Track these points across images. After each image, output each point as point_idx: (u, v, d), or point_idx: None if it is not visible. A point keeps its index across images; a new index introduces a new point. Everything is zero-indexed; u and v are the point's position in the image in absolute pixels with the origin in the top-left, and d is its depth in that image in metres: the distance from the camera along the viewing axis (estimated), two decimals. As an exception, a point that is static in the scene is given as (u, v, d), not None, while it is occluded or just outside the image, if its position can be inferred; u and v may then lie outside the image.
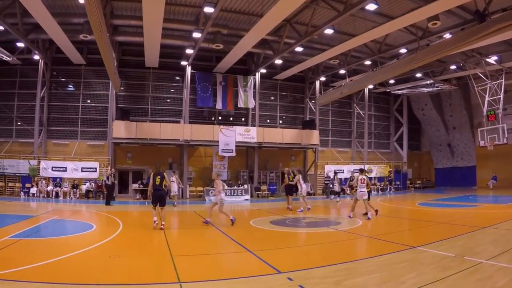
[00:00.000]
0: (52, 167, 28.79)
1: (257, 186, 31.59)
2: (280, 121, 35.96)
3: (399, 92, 36.96)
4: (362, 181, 16.28)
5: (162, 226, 13.06)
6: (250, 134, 31.15)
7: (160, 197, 13.53)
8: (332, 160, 36.42)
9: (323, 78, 34.48)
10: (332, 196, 28.10)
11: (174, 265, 8.02)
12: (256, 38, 25.48)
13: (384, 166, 37.77)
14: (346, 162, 36.69)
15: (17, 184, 28.56)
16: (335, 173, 28.91)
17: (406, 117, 41.42)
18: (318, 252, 10.07)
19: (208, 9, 21.91)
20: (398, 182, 38.40)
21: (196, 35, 25.88)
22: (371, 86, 36.95)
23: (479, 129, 30.54)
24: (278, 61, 30.81)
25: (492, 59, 28.38)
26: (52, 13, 22.27)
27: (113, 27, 26.88)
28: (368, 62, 30.41)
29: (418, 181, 40.80)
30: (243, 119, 34.79)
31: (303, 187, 21.10)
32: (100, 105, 31.17)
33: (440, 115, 40.26)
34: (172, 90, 33.09)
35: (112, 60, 23.12)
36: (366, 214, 16.21)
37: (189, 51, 28.93)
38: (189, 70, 30.91)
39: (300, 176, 21.35)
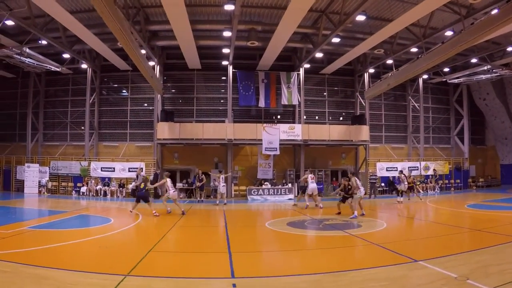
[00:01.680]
0: (101, 168, 29.90)
1: (303, 185, 29.93)
2: (330, 117, 33.86)
3: (456, 81, 33.63)
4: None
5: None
6: (294, 131, 29.46)
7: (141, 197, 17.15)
8: (386, 157, 33.80)
9: (371, 70, 31.88)
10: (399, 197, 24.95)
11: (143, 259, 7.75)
12: (288, 32, 24.06)
13: (443, 163, 34.44)
14: (400, 159, 33.90)
15: (70, 184, 30.14)
16: (401, 171, 25.59)
17: (466, 109, 37.40)
18: (299, 259, 9.02)
19: (229, 7, 21.10)
20: (458, 181, 34.96)
21: (227, 33, 25.44)
22: (425, 76, 34.37)
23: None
24: (319, 55, 29.08)
25: None
26: (87, 24, 23.48)
27: (151, 32, 27.42)
28: (414, 49, 27.71)
29: (481, 179, 37.14)
30: (290, 116, 33.17)
31: (361, 189, 19.13)
32: (147, 108, 31.73)
33: (505, 104, 36.27)
34: (216, 91, 32.50)
35: (146, 65, 23.40)
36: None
37: (225, 50, 28.48)
38: (230, 69, 30.23)
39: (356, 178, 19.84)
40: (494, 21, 16.75)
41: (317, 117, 33.61)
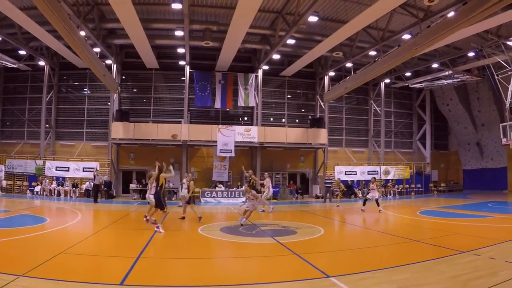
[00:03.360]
0: (56, 167, 28.65)
1: (258, 188, 28.90)
2: (290, 120, 32.76)
3: (418, 86, 32.74)
4: None
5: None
6: (250, 133, 28.30)
7: None
8: (345, 161, 32.76)
9: (332, 73, 30.81)
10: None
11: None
12: (241, 32, 23.00)
13: (404, 167, 33.46)
14: (359, 163, 32.89)
15: (24, 183, 28.91)
16: (374, 178, 22.79)
17: (429, 114, 36.57)
18: (208, 268, 8.18)
19: (176, 5, 20.33)
20: (419, 185, 34.04)
21: (179, 33, 24.49)
22: (387, 81, 33.48)
23: (501, 125, 25.85)
24: (277, 56, 28.08)
25: None
26: (40, 21, 22.26)
27: (108, 30, 26.28)
28: (373, 53, 26.70)
29: (443, 184, 36.23)
30: (249, 118, 32.08)
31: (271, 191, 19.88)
32: (104, 107, 30.34)
33: (468, 110, 35.47)
34: (174, 91, 31.20)
35: (98, 63, 22.46)
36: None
37: (181, 50, 27.39)
38: (187, 69, 29.07)
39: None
40: (449, 24, 16.06)
41: (276, 120, 32.54)
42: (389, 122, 35.80)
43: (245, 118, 32.20)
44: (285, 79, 32.33)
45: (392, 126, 36.03)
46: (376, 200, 19.21)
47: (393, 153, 35.54)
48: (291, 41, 25.24)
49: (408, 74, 31.98)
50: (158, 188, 12.76)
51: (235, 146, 27.95)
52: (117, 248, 10.24)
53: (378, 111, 33.87)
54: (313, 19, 21.65)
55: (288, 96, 33.11)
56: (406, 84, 33.27)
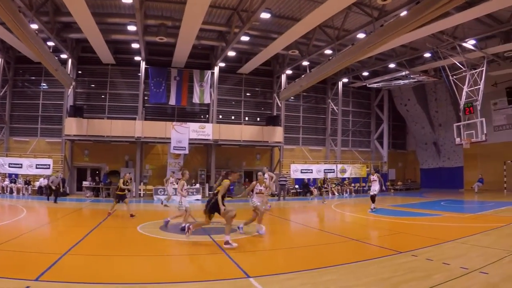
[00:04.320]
0: (9, 164, 27.42)
1: (211, 185, 28.44)
2: (247, 118, 32.27)
3: (375, 85, 32.65)
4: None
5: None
6: (205, 131, 27.75)
7: None
8: (302, 159, 32.46)
9: (289, 72, 30.50)
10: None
11: None
12: (193, 28, 22.31)
13: (361, 166, 33.39)
14: (316, 161, 32.65)
15: None
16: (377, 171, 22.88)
17: (386, 113, 36.70)
18: (123, 265, 7.78)
19: (127, 0, 19.96)
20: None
21: (132, 28, 23.74)
22: (345, 80, 33.32)
23: (454, 125, 25.91)
24: (232, 53, 27.46)
25: (469, 44, 23.83)
26: None
27: (63, 24, 25.30)
28: (329, 51, 26.41)
29: (399, 183, 36.19)
30: (206, 116, 31.51)
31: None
32: (59, 102, 29.11)
33: (425, 111, 35.61)
34: (131, 87, 30.18)
35: (50, 57, 21.57)
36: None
37: (136, 45, 26.61)
38: (143, 65, 28.19)
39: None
40: (401, 23, 15.84)
41: (233, 117, 32.08)
42: (347, 121, 35.66)
43: (203, 116, 31.59)
44: (243, 77, 31.82)
45: (350, 125, 35.90)
46: (373, 196, 17.97)
47: (351, 152, 35.42)
48: (245, 38, 24.96)
49: (365, 73, 31.84)
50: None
51: (190, 143, 27.42)
52: (47, 244, 9.85)
53: (336, 110, 33.61)
54: (265, 16, 21.41)
55: (247, 94, 32.66)
56: (364, 84, 33.06)
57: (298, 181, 30.59)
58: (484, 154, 32.54)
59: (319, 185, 25.30)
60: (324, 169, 30.41)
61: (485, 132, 23.61)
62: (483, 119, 23.58)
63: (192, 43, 25.10)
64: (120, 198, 15.95)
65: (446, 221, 14.62)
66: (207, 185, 28.31)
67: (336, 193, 29.91)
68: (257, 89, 33.14)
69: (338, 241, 10.46)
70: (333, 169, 31.44)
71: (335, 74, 32.11)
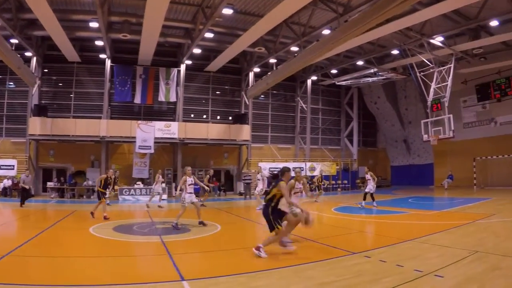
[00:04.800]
0: None
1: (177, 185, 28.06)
2: (215, 116, 31.99)
3: (344, 83, 32.65)
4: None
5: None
6: (170, 129, 27.38)
7: None
8: (271, 158, 32.27)
9: (257, 69, 30.31)
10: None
11: None
12: (156, 24, 21.77)
13: (330, 164, 33.30)
14: (284, 159, 32.43)
15: None
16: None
17: (356, 111, 36.82)
18: (63, 267, 7.33)
19: None
20: (345, 181, 34.01)
21: (94, 24, 23.13)
22: (314, 78, 33.17)
23: (422, 121, 25.93)
24: (197, 50, 27.18)
25: (437, 40, 23.84)
26: None
27: (28, 21, 24.29)
28: (295, 48, 26.16)
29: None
30: (172, 114, 30.96)
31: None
32: (25, 101, 28.29)
33: (395, 108, 35.76)
34: (97, 85, 29.35)
35: (11, 54, 21.06)
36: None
37: (100, 43, 25.94)
38: (108, 63, 27.64)
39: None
40: (365, 18, 15.74)
41: (200, 116, 31.77)
42: (317, 119, 35.64)
43: (171, 114, 31.05)
44: (211, 75, 31.44)
45: (320, 123, 35.90)
46: (366, 194, 18.02)
47: (320, 150, 35.40)
48: (209, 35, 24.55)
49: (335, 71, 31.72)
50: (273, 202, 8.19)
51: (155, 142, 27.02)
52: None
53: (305, 108, 33.48)
54: (228, 11, 21.02)
55: (217, 92, 32.37)
56: (334, 82, 32.94)
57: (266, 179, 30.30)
58: (454, 151, 32.66)
59: (317, 183, 25.12)
60: (293, 167, 30.08)
61: (452, 128, 23.63)
62: (451, 116, 23.65)
63: (157, 40, 24.60)
64: (98, 197, 15.17)
65: (410, 219, 14.33)
66: (173, 184, 27.86)
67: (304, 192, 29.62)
68: (225, 87, 32.82)
69: (304, 243, 9.88)
70: (302, 167, 31.19)
71: (304, 72, 32.10)
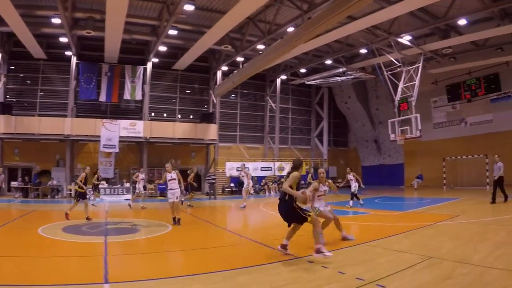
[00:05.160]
0: None
1: (144, 185, 27.71)
2: (183, 115, 31.76)
3: (313, 82, 32.60)
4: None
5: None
6: (136, 128, 27.14)
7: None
8: (239, 157, 32.07)
9: (225, 68, 30.18)
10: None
11: None
12: (118, 21, 21.44)
13: (300, 164, 33.15)
14: (252, 159, 32.38)
15: None
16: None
17: (326, 111, 37.06)
18: None
19: None
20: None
21: (56, 21, 22.73)
22: (284, 77, 33.08)
23: (389, 121, 25.92)
24: (163, 48, 26.95)
25: (405, 39, 23.87)
26: None
27: None
28: (262, 46, 26.04)
29: (340, 180, 35.95)
30: (139, 113, 30.46)
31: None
32: None
33: (365, 108, 35.93)
34: (63, 83, 28.61)
35: None
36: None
37: (64, 39, 25.54)
38: (74, 60, 27.08)
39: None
40: (326, 15, 15.65)
41: (168, 114, 31.51)
42: (286, 118, 35.73)
43: (138, 113, 30.51)
44: (178, 73, 31.18)
45: (289, 123, 35.99)
46: (352, 194, 17.85)
47: (290, 150, 35.41)
48: (173, 32, 24.44)
49: (303, 70, 31.60)
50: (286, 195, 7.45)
51: (120, 141, 26.77)
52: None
53: (274, 107, 33.38)
54: (189, 8, 20.84)
55: (184, 90, 32.16)
56: (303, 81, 32.85)
57: (234, 179, 30.11)
58: (424, 151, 32.82)
59: (309, 181, 24.93)
60: (261, 167, 30.11)
61: (419, 128, 23.65)
62: (418, 115, 23.69)
63: (121, 37, 24.36)
64: (81, 197, 14.19)
65: (372, 220, 13.86)
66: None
67: (272, 192, 29.54)
68: (194, 86, 32.60)
69: (236, 244, 9.72)
70: (271, 167, 31.04)
71: (273, 71, 32.03)
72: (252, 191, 19.03)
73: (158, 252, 8.84)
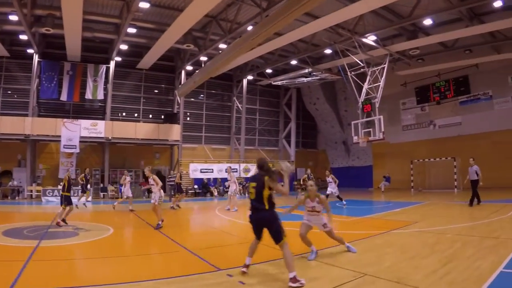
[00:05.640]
0: None
1: (104, 186, 27.45)
2: (147, 115, 31.44)
3: (280, 83, 32.52)
4: None
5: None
6: (97, 128, 26.79)
7: None
8: (205, 158, 31.96)
9: (190, 67, 29.84)
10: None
11: None
12: (75, 18, 21.14)
13: (266, 165, 32.94)
14: (217, 160, 32.23)
15: None
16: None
17: (294, 112, 37.10)
18: None
19: None
20: (282, 183, 33.36)
21: (14, 18, 22.37)
22: (250, 78, 32.97)
23: (352, 122, 25.70)
24: (124, 47, 26.77)
25: (370, 39, 23.81)
26: None
27: None
28: (224, 45, 25.71)
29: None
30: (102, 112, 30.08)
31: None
32: None
33: (334, 110, 35.95)
34: (24, 81, 27.95)
35: None
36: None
37: (23, 37, 25.14)
38: (35, 58, 26.57)
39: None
40: (282, 12, 15.54)
41: (132, 114, 31.08)
42: (253, 119, 35.72)
43: (102, 113, 30.14)
44: (143, 73, 30.83)
45: (257, 124, 36.01)
46: (333, 194, 17.71)
47: (257, 151, 35.34)
48: (132, 30, 24.23)
49: (269, 71, 31.53)
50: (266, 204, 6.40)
51: (81, 141, 26.43)
52: None
53: (240, 108, 33.28)
54: (144, 5, 20.57)
55: (150, 90, 31.81)
56: (271, 82, 32.78)
57: (198, 181, 29.89)
58: (393, 153, 32.89)
59: (303, 183, 24.58)
60: (226, 168, 29.85)
61: (382, 130, 23.25)
62: (381, 117, 23.33)
63: (80, 35, 23.97)
64: (67, 202, 13.03)
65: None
66: (101, 185, 27.37)
67: (237, 194, 29.08)
68: (160, 85, 32.29)
69: (165, 251, 9.17)
70: (236, 169, 30.83)
71: (240, 71, 31.97)
72: (236, 196, 18.49)
73: (86, 259, 8.37)
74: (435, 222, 12.07)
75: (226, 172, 20.36)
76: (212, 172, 30.09)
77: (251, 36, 18.14)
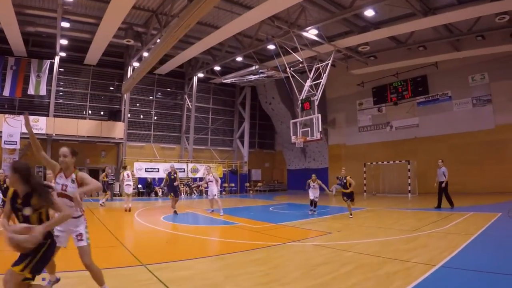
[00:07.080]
0: None
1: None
2: (94, 112, 31.17)
3: (229, 81, 32.61)
4: None
5: None
6: (38, 124, 26.88)
7: None
8: (153, 158, 32.07)
9: (136, 64, 29.33)
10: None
11: None
12: (7, 12, 20.58)
13: (216, 166, 33.20)
14: (163, 160, 32.23)
15: None
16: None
17: (248, 112, 37.33)
18: None
19: None
20: (233, 184, 33.74)
21: None
22: (201, 75, 32.89)
23: (291, 121, 25.48)
24: (64, 42, 26.81)
25: (311, 33, 23.24)
26: None
27: None
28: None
29: (260, 184, 35.77)
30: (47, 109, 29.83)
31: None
32: None
33: (290, 110, 35.70)
34: None
35: None
36: None
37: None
38: (-20, 53, 26.97)
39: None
40: (194, 5, 15.65)
41: (78, 111, 30.77)
42: (206, 118, 35.93)
43: (47, 109, 29.88)
44: (91, 69, 30.77)
45: (209, 123, 36.21)
46: (312, 201, 16.78)
47: (209, 151, 35.47)
48: (66, 24, 24.02)
49: (218, 68, 31.55)
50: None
51: (23, 137, 26.42)
52: None
53: (190, 106, 33.28)
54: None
55: (98, 87, 31.56)
56: (224, 80, 32.63)
57: (142, 180, 29.83)
58: (348, 155, 32.87)
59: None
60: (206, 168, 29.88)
61: (320, 129, 22.86)
62: (319, 115, 22.84)
63: (18, 29, 23.77)
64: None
65: (227, 233, 11.84)
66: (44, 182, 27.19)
67: (183, 194, 28.95)
68: (110, 82, 32.18)
69: None
70: (184, 168, 30.69)
71: (191, 68, 31.68)
72: (216, 197, 17.17)
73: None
74: (350, 235, 10.71)
75: (205, 172, 18.81)
76: (158, 171, 29.99)
77: (174, 28, 18.24)
